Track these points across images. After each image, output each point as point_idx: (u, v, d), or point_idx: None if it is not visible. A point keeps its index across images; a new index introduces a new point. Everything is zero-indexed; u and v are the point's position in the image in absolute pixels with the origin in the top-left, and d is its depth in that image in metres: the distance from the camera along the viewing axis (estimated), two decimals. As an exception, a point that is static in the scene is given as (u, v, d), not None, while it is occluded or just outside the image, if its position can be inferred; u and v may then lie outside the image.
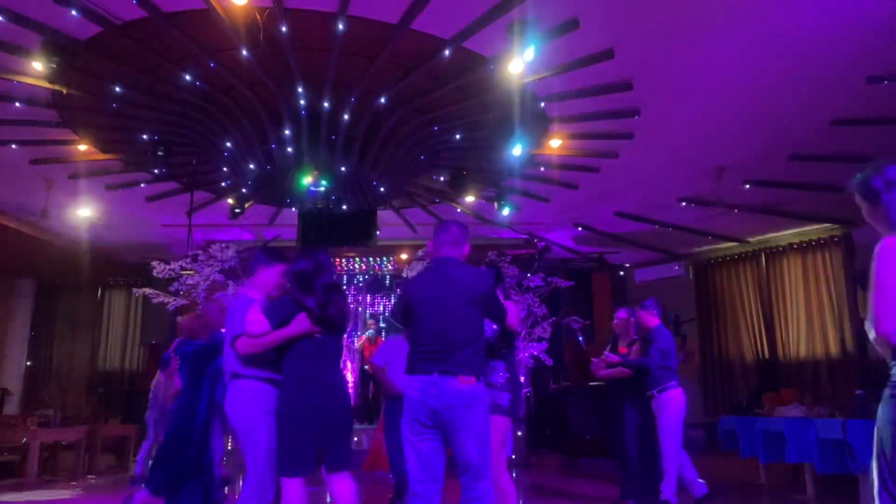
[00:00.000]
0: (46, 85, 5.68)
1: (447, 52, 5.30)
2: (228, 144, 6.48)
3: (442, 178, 7.79)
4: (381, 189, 7.26)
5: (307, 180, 6.48)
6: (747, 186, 7.94)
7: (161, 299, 9.52)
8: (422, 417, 2.92)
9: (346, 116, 6.12)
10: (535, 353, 9.50)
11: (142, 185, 8.01)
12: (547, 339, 9.65)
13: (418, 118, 6.40)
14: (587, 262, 11.71)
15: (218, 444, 4.35)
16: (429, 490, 2.90)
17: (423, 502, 2.89)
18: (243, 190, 7.43)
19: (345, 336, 3.48)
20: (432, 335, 3.00)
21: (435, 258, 3.28)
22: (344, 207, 7.40)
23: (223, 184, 7.94)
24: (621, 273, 12.31)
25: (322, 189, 6.55)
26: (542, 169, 7.63)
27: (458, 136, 6.85)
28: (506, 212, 8.44)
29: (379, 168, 6.66)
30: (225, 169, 7.13)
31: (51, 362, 12.37)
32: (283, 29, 4.99)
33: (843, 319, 9.38)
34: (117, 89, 5.92)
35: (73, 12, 4.71)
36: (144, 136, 6.69)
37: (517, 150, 6.66)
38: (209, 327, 4.45)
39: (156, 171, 6.90)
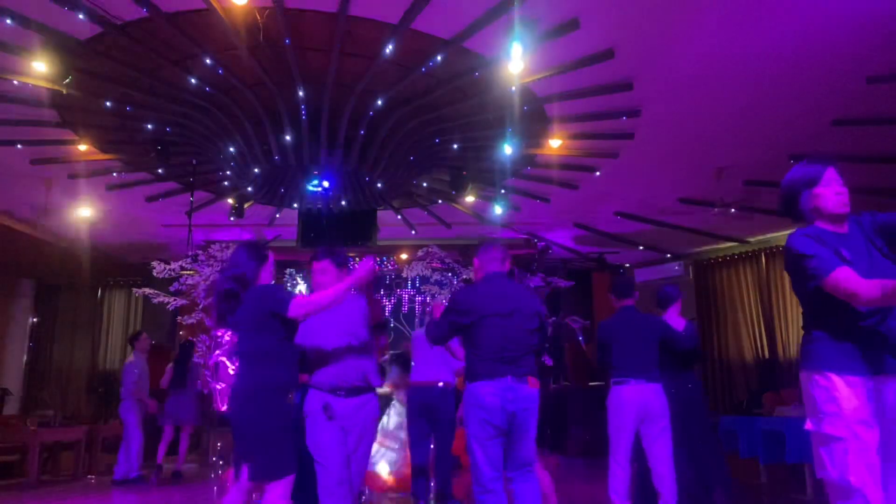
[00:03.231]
0: (46, 85, 5.68)
1: (447, 52, 5.30)
2: (228, 144, 6.48)
3: (442, 179, 7.79)
4: (381, 189, 7.26)
5: (307, 181, 6.49)
6: (747, 186, 7.94)
7: (161, 299, 9.53)
8: (497, 421, 3.14)
9: (346, 116, 6.12)
10: (535, 353, 9.48)
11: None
12: (547, 339, 9.64)
13: (418, 118, 6.40)
14: (587, 262, 11.71)
15: None
16: (499, 485, 3.18)
17: (496, 498, 3.14)
18: (244, 190, 7.43)
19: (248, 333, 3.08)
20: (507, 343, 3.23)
21: (489, 272, 3.49)
22: (344, 207, 7.41)
23: (223, 184, 7.95)
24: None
25: (322, 189, 6.55)
26: (542, 169, 7.63)
27: (457, 137, 6.85)
28: (499, 210, 8.43)
29: (379, 168, 6.66)
30: (225, 170, 7.13)
31: (51, 362, 12.36)
32: (283, 29, 5.00)
33: (843, 319, 9.38)
34: (117, 89, 5.93)
35: (74, 12, 4.71)
36: (145, 137, 6.70)
37: (508, 150, 6.67)
38: None
39: (159, 170, 6.92)
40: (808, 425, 2.20)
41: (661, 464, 4.20)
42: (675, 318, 4.87)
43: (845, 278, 2.08)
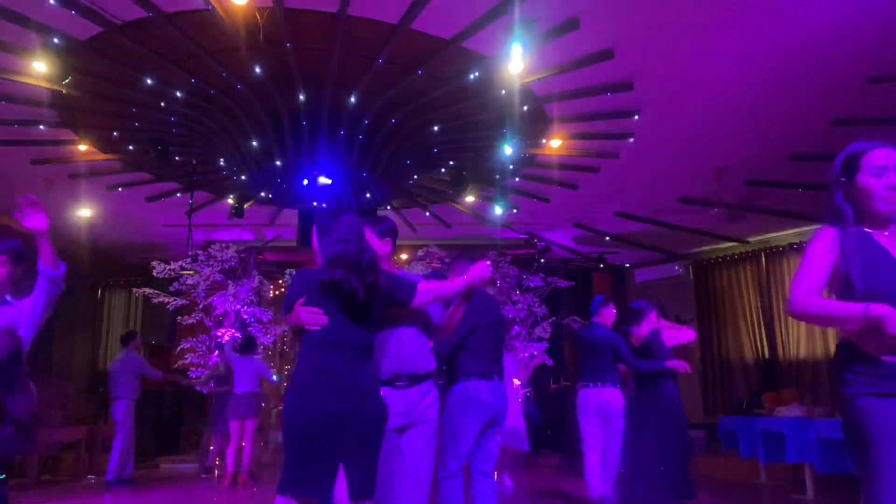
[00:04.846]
0: (46, 85, 5.68)
1: (447, 52, 5.30)
2: (228, 144, 6.48)
3: (442, 179, 7.79)
4: (381, 189, 7.26)
5: (307, 181, 6.49)
6: (747, 186, 7.94)
7: (161, 299, 9.52)
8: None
9: (346, 116, 6.12)
10: (535, 353, 9.49)
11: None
12: (547, 339, 9.65)
13: (418, 118, 6.40)
14: (587, 262, 11.71)
15: None
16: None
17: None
18: (243, 189, 7.43)
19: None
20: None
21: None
22: (344, 207, 7.41)
23: (223, 184, 7.95)
24: (622, 272, 12.31)
25: (322, 189, 6.56)
26: (542, 169, 7.63)
27: (457, 136, 6.85)
28: (499, 210, 8.43)
29: (379, 168, 6.67)
30: (225, 169, 7.13)
31: (51, 362, 12.36)
32: (283, 29, 5.00)
33: (843, 319, 9.37)
34: (117, 89, 5.93)
35: (73, 12, 4.71)
36: (145, 137, 6.70)
37: (508, 150, 6.68)
38: None
39: (160, 170, 6.92)
40: None
41: (612, 456, 4.96)
42: (645, 328, 5.31)
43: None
